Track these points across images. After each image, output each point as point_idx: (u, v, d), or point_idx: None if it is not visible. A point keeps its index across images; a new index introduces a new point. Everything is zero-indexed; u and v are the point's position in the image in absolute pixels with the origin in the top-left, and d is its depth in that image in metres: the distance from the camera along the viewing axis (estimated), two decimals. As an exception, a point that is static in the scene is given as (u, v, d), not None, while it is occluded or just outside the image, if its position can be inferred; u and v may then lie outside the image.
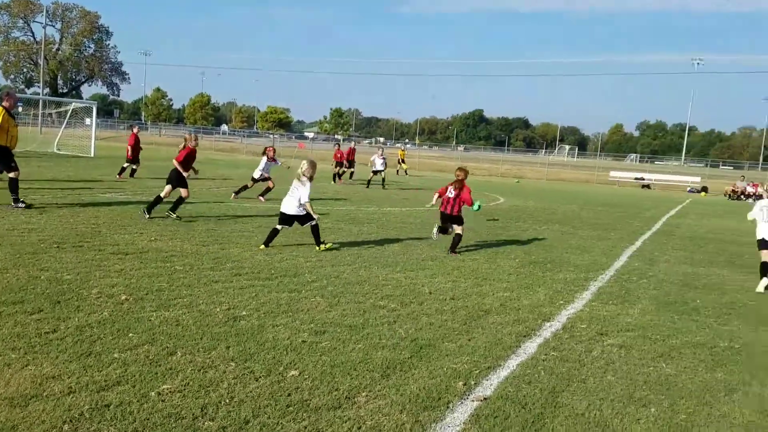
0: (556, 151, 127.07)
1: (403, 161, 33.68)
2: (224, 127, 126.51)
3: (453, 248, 9.29)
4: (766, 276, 8.15)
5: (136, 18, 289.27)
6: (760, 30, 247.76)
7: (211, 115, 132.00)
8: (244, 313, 5.43)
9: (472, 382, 4.22)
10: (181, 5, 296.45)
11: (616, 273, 8.70)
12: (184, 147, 10.79)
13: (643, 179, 42.08)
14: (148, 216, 10.21)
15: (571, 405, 3.98)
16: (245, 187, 14.86)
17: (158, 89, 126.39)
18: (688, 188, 37.99)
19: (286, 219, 8.59)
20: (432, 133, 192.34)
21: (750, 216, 8.64)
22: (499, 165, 47.84)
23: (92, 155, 27.47)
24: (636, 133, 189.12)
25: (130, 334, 4.63)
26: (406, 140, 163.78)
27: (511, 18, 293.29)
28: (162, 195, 10.51)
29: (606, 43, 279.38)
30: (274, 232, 8.60)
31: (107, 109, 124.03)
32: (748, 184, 33.76)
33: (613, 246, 11.30)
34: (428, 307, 6.09)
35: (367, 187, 21.86)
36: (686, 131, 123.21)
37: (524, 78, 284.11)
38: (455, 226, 9.43)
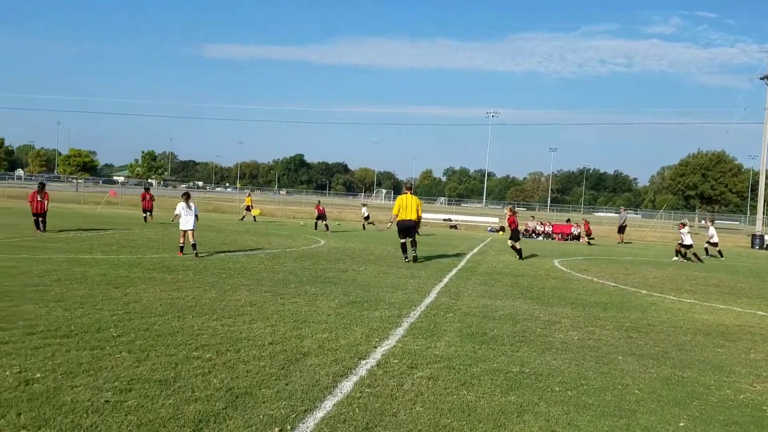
0: (374, 194, 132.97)
1: (251, 207, 36.12)
2: (19, 172, 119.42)
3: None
4: None
5: None
6: (543, 88, 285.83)
7: (3, 159, 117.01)
8: (38, 375, 4.91)
9: (289, 427, 4.23)
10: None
11: (426, 308, 9.30)
12: None
13: (451, 220, 45.60)
14: None
15: (383, 438, 4.17)
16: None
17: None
18: (488, 228, 41.91)
19: None
20: (254, 177, 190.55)
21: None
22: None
23: None
24: (444, 178, 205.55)
25: None
26: (227, 184, 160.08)
27: (303, 66, 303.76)
28: None
29: (412, 95, 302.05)
30: None
31: None
32: (538, 223, 38.20)
33: (423, 283, 12.07)
34: (245, 354, 5.98)
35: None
36: (486, 176, 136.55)
37: (340, 126, 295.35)
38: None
